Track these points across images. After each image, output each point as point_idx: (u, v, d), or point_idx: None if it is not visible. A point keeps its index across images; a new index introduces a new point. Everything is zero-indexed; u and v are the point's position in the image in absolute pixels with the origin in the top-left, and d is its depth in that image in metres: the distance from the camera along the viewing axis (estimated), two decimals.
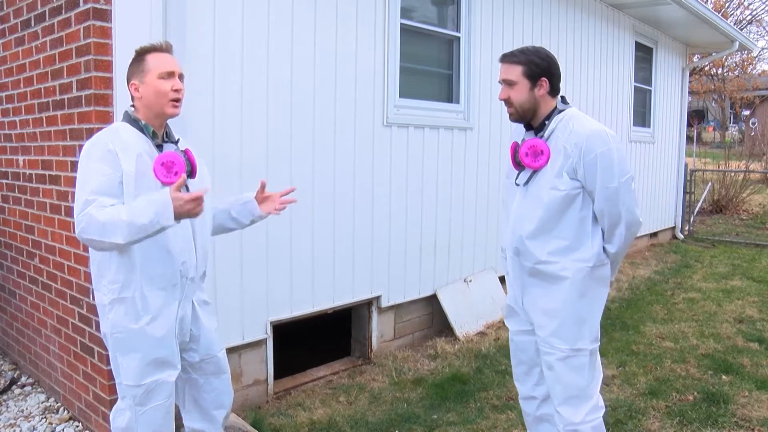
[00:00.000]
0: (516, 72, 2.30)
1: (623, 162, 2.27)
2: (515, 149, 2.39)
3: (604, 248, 2.34)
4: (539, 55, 2.32)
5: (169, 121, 2.24)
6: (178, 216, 1.93)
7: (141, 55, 2.15)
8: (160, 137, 2.19)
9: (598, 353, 2.44)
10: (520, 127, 2.46)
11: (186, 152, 2.21)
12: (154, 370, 2.16)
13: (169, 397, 2.22)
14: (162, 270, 2.13)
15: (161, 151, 2.15)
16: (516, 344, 2.59)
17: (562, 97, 2.39)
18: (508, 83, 2.33)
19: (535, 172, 2.34)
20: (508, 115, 2.40)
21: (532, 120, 2.37)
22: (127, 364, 2.15)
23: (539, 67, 2.30)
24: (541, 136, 2.33)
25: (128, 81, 2.18)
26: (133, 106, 2.20)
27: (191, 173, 2.19)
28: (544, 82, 2.30)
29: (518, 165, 2.39)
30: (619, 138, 2.26)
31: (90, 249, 2.17)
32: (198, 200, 1.94)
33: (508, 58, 2.34)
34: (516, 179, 2.42)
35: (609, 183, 2.23)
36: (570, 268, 2.30)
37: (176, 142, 2.24)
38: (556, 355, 2.35)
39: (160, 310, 2.14)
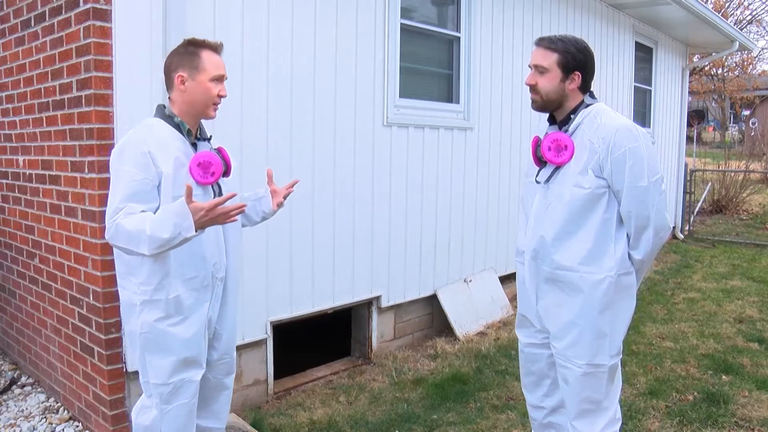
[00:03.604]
0: (550, 59, 2.16)
1: (654, 160, 2.13)
2: (537, 143, 2.24)
3: (629, 255, 2.18)
4: (578, 46, 2.18)
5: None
6: (202, 225, 1.90)
7: (196, 48, 2.08)
8: (194, 135, 2.18)
9: (620, 365, 2.31)
10: (542, 122, 2.31)
11: (220, 150, 2.20)
12: (182, 368, 2.16)
13: (193, 396, 2.23)
14: (195, 273, 2.13)
15: (196, 150, 2.13)
16: (526, 356, 2.47)
17: (590, 92, 2.26)
18: (539, 69, 2.18)
19: (557, 168, 2.18)
20: (531, 101, 2.26)
21: (555, 112, 2.24)
22: (155, 363, 2.15)
23: (575, 60, 2.16)
24: (566, 130, 2.18)
25: (173, 70, 2.09)
26: (169, 98, 2.14)
27: (226, 172, 2.19)
28: (577, 77, 2.17)
29: (539, 161, 2.24)
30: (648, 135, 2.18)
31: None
32: (217, 206, 1.89)
33: (544, 43, 2.18)
34: (536, 176, 2.26)
35: (638, 182, 2.08)
36: (589, 279, 2.15)
37: (209, 140, 2.23)
38: (572, 369, 2.22)
39: (191, 311, 2.14)
